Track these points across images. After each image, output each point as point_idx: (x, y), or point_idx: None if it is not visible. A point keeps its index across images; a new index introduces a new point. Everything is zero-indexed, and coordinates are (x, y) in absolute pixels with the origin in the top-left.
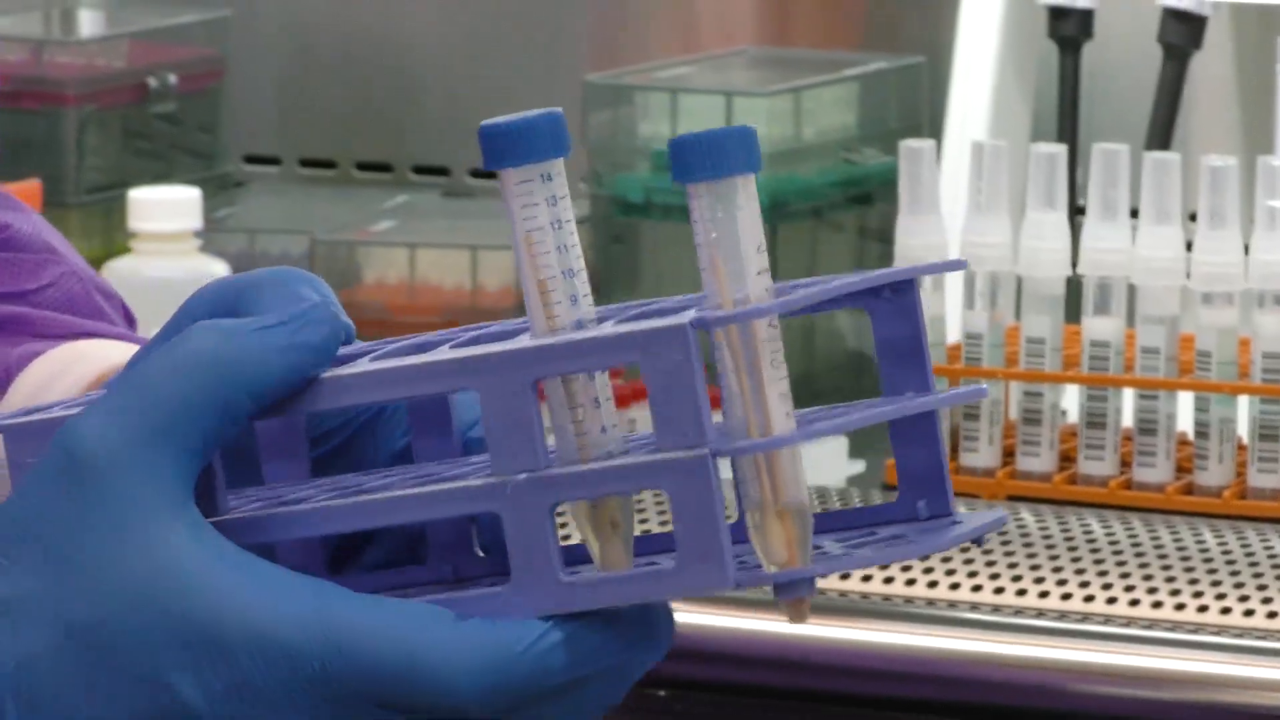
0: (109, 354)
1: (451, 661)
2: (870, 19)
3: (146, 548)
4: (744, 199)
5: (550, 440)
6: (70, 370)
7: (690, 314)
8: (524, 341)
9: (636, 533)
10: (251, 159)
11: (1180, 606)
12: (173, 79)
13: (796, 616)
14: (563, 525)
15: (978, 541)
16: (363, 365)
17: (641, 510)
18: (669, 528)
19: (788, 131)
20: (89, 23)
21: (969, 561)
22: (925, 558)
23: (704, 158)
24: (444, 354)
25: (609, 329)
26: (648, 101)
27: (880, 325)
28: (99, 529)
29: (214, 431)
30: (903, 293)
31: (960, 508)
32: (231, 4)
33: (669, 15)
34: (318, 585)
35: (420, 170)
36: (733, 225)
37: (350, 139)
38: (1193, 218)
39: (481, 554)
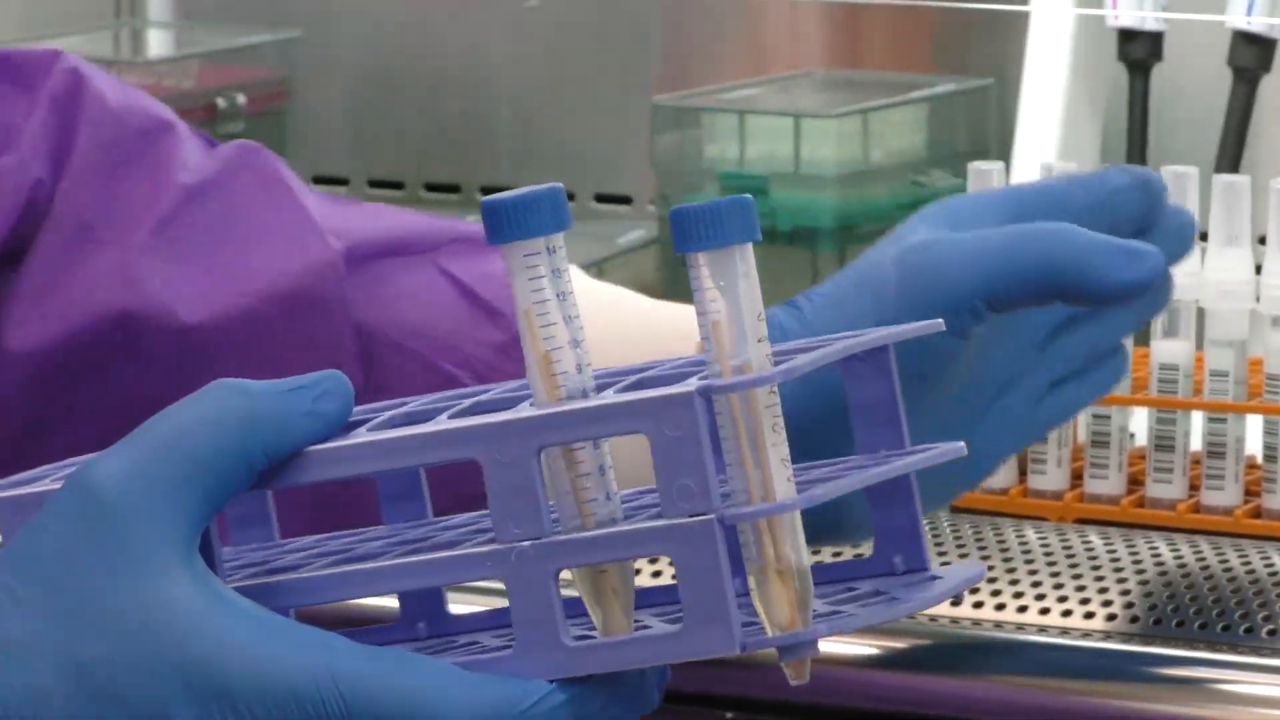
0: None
1: (456, 714)
2: (939, 41)
3: (161, 594)
4: (743, 268)
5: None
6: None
7: (694, 382)
8: (529, 409)
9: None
10: (320, 179)
11: (1249, 630)
12: (241, 99)
13: (798, 675)
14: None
15: (956, 600)
16: (368, 434)
17: None
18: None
19: (856, 153)
20: (158, 43)
21: (1037, 584)
22: (975, 590)
23: (704, 228)
24: (451, 422)
25: (614, 397)
26: (715, 123)
27: (855, 384)
28: (114, 572)
29: (230, 486)
30: (878, 352)
31: (939, 561)
32: (301, 25)
33: (737, 37)
34: (324, 636)
35: (488, 191)
36: (733, 293)
37: (419, 160)
38: (1262, 241)
39: (452, 612)
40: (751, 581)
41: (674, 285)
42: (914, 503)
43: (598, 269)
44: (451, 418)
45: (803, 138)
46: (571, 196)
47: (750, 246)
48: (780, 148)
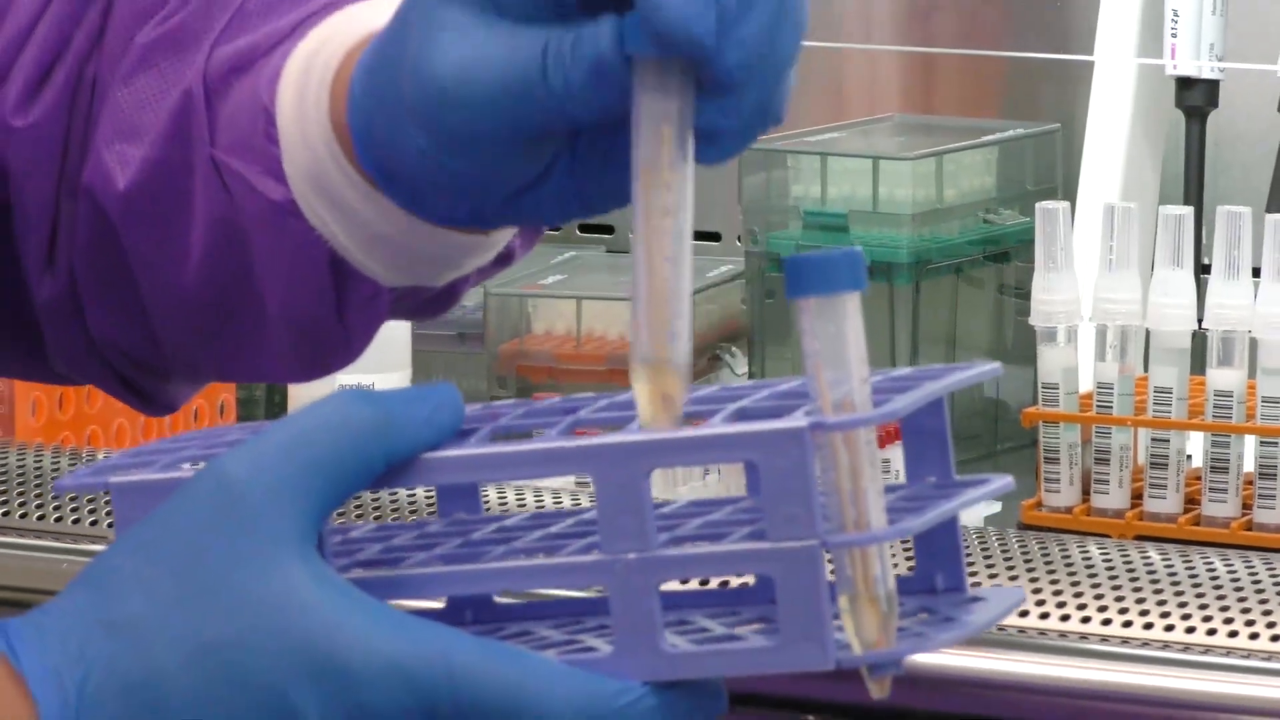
0: (361, 21)
1: (556, 703)
2: (1009, 89)
3: (286, 582)
4: (851, 313)
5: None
6: (326, 45)
7: (802, 416)
8: (639, 433)
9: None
10: None
11: None
12: None
13: (881, 690)
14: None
15: (1024, 612)
16: (485, 446)
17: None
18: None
19: (930, 193)
20: None
21: (1099, 596)
22: (1041, 602)
23: (817, 276)
24: (567, 440)
25: (729, 427)
26: (799, 164)
27: (911, 415)
28: (241, 559)
29: (350, 487)
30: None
31: (980, 581)
32: None
33: (820, 84)
34: (436, 626)
35: (586, 229)
36: (840, 337)
37: None
38: None
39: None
40: (844, 602)
41: (760, 317)
42: (956, 525)
43: None
44: (561, 434)
45: (881, 178)
46: None
47: (858, 295)
48: (860, 187)
